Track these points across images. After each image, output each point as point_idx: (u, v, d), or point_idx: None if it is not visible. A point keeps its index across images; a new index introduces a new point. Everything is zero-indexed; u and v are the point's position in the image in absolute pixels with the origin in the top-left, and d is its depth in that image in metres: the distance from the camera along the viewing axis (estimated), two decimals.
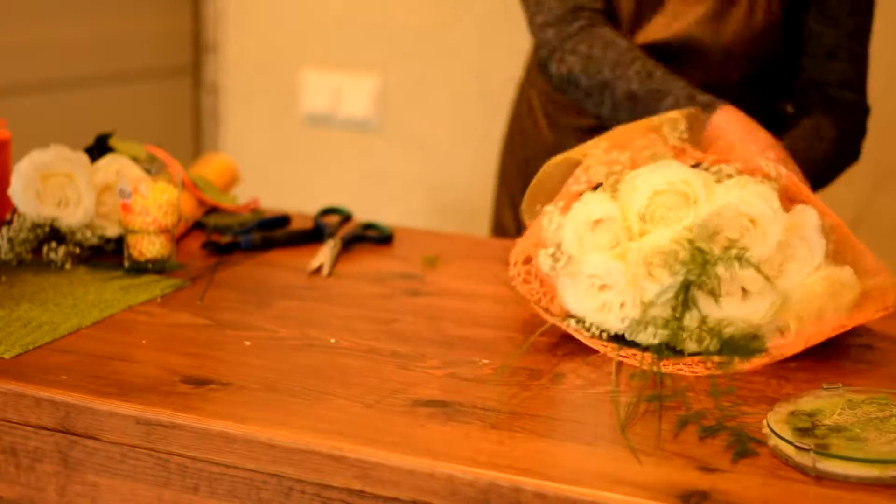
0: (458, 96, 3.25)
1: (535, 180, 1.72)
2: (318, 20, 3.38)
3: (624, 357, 1.55)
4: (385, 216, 2.47)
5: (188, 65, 3.54)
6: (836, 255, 1.64)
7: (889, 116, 2.73)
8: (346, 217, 2.13)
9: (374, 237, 2.05)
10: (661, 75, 1.94)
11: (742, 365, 1.53)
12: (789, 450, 1.31)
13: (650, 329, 1.56)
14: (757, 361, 1.54)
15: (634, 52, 1.97)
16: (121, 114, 3.36)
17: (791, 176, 1.66)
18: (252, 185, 2.57)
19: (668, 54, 2.03)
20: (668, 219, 1.59)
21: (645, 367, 1.51)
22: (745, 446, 1.34)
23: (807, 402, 1.42)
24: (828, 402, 1.42)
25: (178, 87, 3.53)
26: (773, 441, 1.34)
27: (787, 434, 1.33)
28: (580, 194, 1.66)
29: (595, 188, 1.66)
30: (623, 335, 1.59)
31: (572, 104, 2.13)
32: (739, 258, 1.54)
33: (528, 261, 1.68)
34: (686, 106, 1.87)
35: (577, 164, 1.69)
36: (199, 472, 1.42)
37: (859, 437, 1.34)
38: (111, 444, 1.45)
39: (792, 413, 1.39)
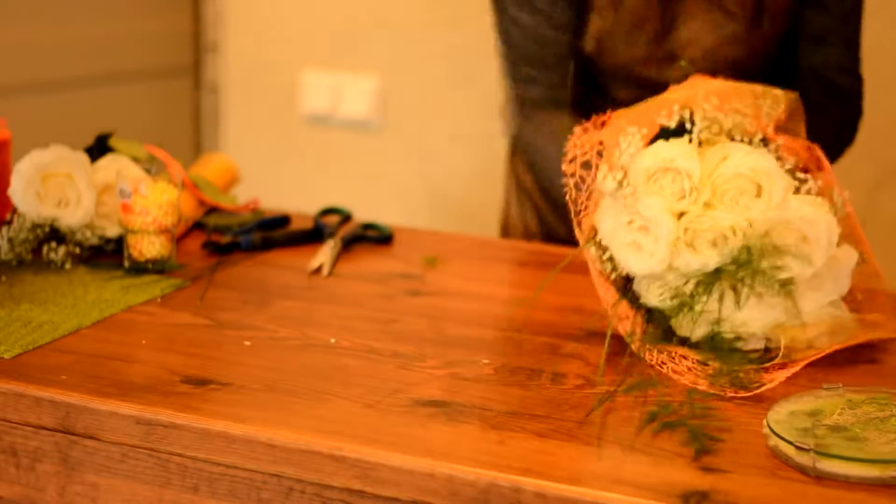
0: (458, 96, 3.25)
1: (628, 109, 1.65)
2: (318, 20, 3.38)
3: (618, 318, 1.53)
4: (385, 216, 2.47)
5: (188, 65, 3.53)
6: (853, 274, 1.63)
7: (890, 115, 2.73)
8: (346, 217, 2.12)
9: (374, 237, 2.05)
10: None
11: (728, 389, 1.50)
12: (789, 450, 1.31)
13: (660, 289, 1.54)
14: (743, 392, 1.50)
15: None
16: (121, 114, 3.36)
17: (850, 207, 1.64)
18: (252, 185, 2.57)
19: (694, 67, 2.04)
20: (736, 204, 1.56)
21: (634, 345, 1.50)
22: (701, 444, 1.34)
23: (807, 402, 1.42)
24: (828, 402, 1.42)
25: (178, 87, 3.53)
26: (773, 441, 1.34)
27: (787, 434, 1.33)
28: (661, 128, 1.60)
29: (668, 133, 1.61)
30: (629, 286, 1.56)
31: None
32: (783, 284, 1.53)
33: (585, 165, 1.62)
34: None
35: (675, 104, 1.63)
36: (199, 472, 1.42)
37: (859, 437, 1.34)
38: (111, 444, 1.45)
39: (792, 413, 1.39)
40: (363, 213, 2.30)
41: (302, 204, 2.65)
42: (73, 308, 1.71)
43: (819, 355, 1.56)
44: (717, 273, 1.53)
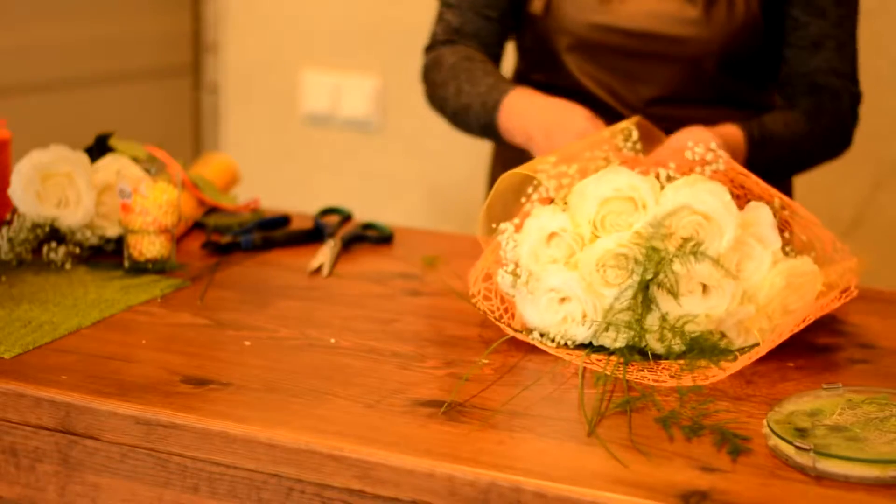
0: None
1: (489, 198, 1.72)
2: (318, 20, 3.38)
3: (589, 364, 1.54)
4: (385, 216, 2.47)
5: (188, 65, 3.54)
6: (782, 225, 1.64)
7: (890, 115, 2.73)
8: (346, 217, 2.13)
9: (374, 237, 2.05)
10: (468, 89, 2.05)
11: (710, 373, 1.51)
12: (789, 450, 1.31)
13: (613, 332, 1.55)
14: (726, 368, 1.52)
15: (453, 71, 2.09)
16: (121, 114, 3.36)
17: (728, 158, 1.66)
18: (252, 185, 2.57)
19: (640, 41, 2.04)
20: (619, 225, 1.59)
21: (608, 373, 1.51)
22: (734, 445, 1.34)
23: (807, 402, 1.42)
24: (828, 402, 1.42)
25: (178, 87, 3.53)
26: (773, 441, 1.34)
27: (787, 434, 1.33)
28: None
29: (550, 203, 1.66)
30: (590, 343, 1.58)
31: None
32: (695, 253, 1.54)
33: (487, 278, 1.68)
34: (481, 112, 2.01)
35: (528, 180, 1.69)
36: (199, 472, 1.42)
37: (859, 437, 1.34)
38: (111, 444, 1.45)
39: (792, 413, 1.39)
40: (363, 213, 2.31)
41: (302, 204, 2.66)
42: (73, 308, 1.71)
43: (802, 326, 1.57)
44: (645, 284, 1.54)
